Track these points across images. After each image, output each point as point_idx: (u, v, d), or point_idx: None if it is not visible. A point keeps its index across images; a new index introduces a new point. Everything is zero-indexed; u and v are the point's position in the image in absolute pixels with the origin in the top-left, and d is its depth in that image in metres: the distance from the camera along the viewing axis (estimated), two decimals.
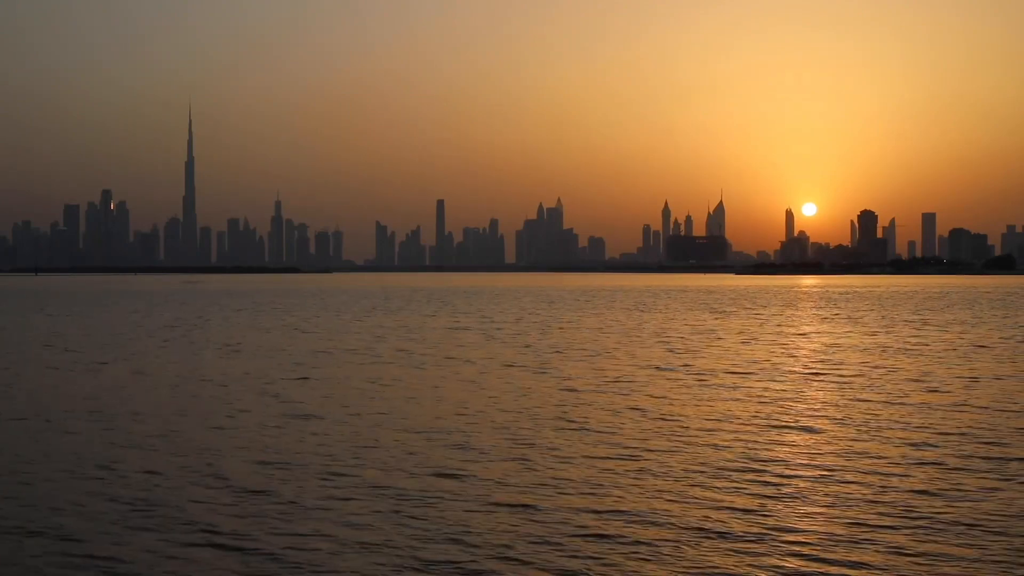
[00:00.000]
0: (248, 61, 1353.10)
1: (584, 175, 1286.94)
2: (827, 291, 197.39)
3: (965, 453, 23.73)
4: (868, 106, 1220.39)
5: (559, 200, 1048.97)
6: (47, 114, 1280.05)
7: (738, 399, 33.51)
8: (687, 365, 45.54)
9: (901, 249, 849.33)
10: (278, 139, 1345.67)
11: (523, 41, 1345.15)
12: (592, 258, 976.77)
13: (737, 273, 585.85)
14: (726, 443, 25.19)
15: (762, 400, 33.25)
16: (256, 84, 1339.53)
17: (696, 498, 19.47)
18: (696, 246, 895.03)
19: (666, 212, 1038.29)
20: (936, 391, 35.53)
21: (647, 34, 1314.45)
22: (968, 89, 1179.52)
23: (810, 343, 59.37)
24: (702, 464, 22.62)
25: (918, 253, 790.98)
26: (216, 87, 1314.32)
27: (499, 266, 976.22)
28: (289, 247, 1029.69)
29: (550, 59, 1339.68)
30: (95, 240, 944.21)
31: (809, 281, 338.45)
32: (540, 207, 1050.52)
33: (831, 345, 57.57)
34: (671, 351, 53.49)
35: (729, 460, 23.04)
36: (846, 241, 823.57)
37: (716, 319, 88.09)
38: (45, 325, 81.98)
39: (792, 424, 28.24)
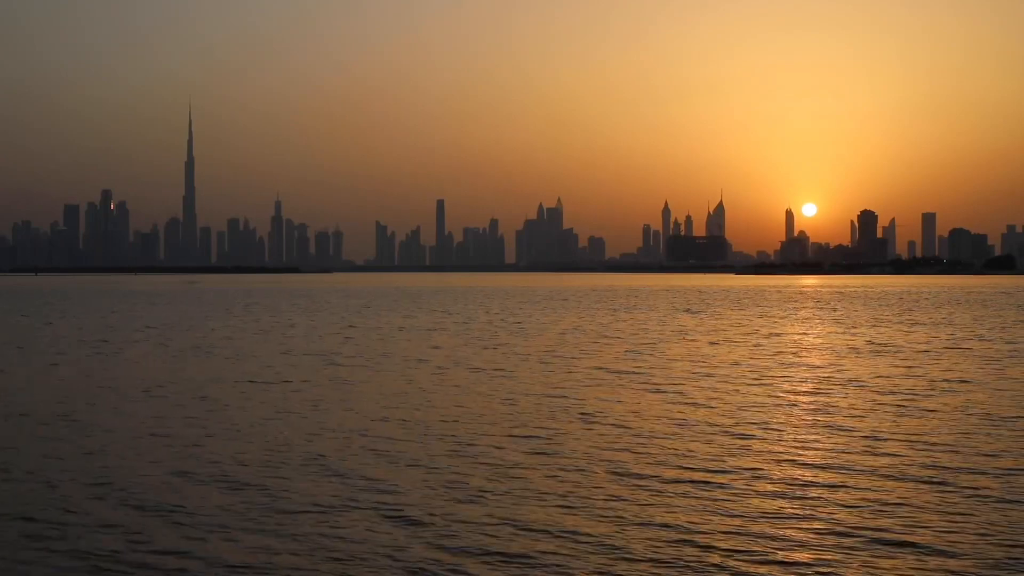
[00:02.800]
0: (248, 61, 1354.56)
1: (584, 175, 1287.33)
2: (818, 292, 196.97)
3: (905, 460, 23.40)
4: (868, 106, 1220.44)
5: (559, 200, 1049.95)
6: (47, 114, 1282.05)
7: (680, 403, 32.44)
8: (643, 368, 44.97)
9: (901, 249, 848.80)
10: (278, 139, 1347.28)
11: (524, 41, 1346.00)
12: (592, 258, 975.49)
13: (737, 273, 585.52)
14: (651, 448, 24.57)
15: (705, 403, 32.43)
16: (256, 84, 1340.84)
17: (629, 505, 19.18)
18: (696, 246, 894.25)
19: (666, 212, 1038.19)
20: (886, 392, 34.99)
21: (648, 34, 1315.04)
22: (968, 88, 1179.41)
23: (776, 344, 58.77)
24: (632, 471, 22.20)
25: (918, 253, 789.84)
26: (216, 87, 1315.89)
27: (499, 266, 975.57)
28: (289, 247, 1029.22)
29: (551, 59, 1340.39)
30: (95, 240, 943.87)
31: (808, 281, 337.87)
32: (540, 207, 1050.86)
33: (796, 345, 57.27)
34: (633, 352, 52.49)
35: (655, 466, 22.39)
36: (846, 241, 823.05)
37: (694, 320, 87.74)
38: (26, 325, 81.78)
39: (729, 429, 27.72)
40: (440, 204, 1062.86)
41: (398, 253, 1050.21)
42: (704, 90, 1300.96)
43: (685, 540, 16.50)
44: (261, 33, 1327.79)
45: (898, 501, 18.99)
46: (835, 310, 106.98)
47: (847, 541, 16.42)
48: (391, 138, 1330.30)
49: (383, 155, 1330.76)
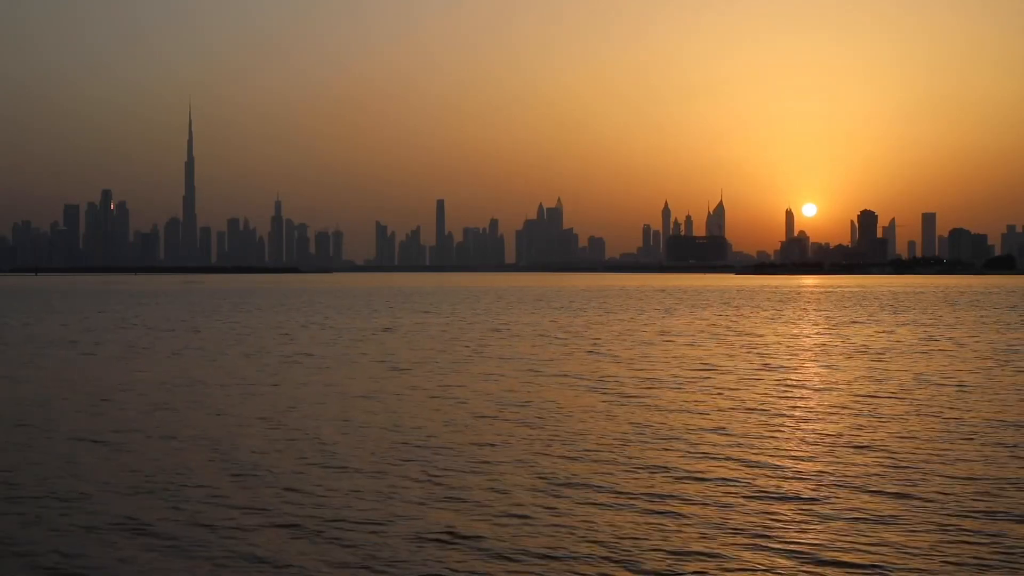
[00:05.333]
0: (249, 61, 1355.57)
1: (584, 175, 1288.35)
2: (815, 292, 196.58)
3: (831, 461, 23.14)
4: (868, 106, 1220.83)
5: (559, 200, 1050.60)
6: (47, 114, 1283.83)
7: (637, 408, 31.08)
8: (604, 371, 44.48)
9: (901, 249, 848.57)
10: (278, 139, 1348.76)
11: (524, 41, 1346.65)
12: (592, 258, 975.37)
13: (737, 273, 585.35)
14: (602, 455, 24.06)
15: (666, 408, 31.71)
16: (256, 84, 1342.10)
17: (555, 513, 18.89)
18: (696, 246, 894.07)
19: (666, 212, 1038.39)
20: (853, 396, 34.42)
21: (648, 35, 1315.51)
22: (968, 88, 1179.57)
23: (752, 345, 57.96)
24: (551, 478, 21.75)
25: (918, 253, 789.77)
26: (216, 87, 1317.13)
27: (499, 266, 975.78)
28: (289, 247, 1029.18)
29: (551, 59, 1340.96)
30: (95, 240, 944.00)
31: (808, 281, 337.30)
32: (540, 207, 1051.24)
33: (776, 347, 56.84)
34: (595, 354, 51.40)
35: (605, 476, 21.62)
36: (846, 241, 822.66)
37: (677, 320, 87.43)
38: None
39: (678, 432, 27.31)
40: (440, 204, 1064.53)
41: (398, 253, 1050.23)
42: (704, 90, 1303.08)
43: (635, 553, 16.07)
44: (261, 33, 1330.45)
45: (857, 508, 18.77)
46: (827, 311, 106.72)
47: (805, 550, 16.16)
48: (391, 138, 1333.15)
49: (383, 155, 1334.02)
